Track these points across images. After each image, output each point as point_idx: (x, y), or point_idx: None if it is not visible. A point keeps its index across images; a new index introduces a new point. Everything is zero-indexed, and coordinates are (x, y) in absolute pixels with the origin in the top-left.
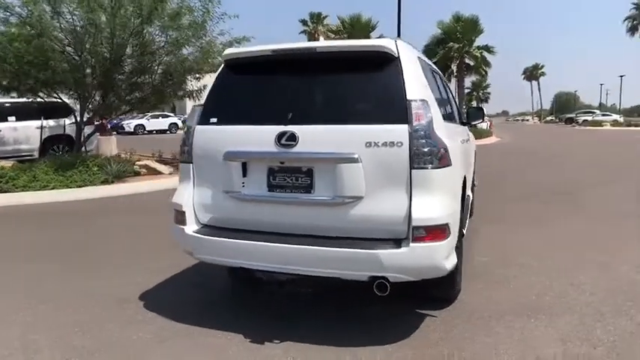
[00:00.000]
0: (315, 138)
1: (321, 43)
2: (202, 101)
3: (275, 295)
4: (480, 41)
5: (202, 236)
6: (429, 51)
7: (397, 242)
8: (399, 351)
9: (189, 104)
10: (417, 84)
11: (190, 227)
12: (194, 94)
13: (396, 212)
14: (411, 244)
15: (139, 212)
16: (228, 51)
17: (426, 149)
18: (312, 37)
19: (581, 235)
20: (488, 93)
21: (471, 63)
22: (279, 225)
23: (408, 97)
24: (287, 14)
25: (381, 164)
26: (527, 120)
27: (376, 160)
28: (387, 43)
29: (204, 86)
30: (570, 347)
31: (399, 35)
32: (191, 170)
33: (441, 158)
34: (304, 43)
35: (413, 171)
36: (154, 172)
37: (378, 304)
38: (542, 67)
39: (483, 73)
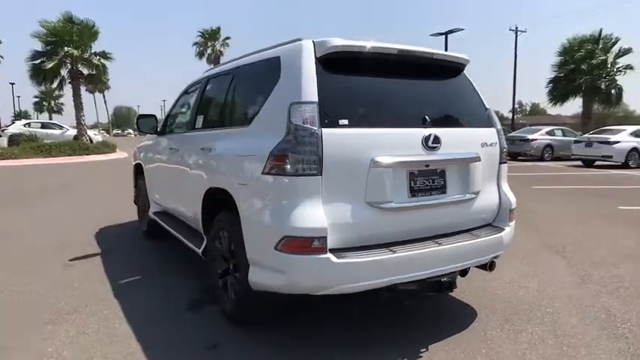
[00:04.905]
0: (449, 140)
1: (436, 50)
2: (307, 97)
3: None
4: (96, 48)
5: (355, 260)
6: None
7: (490, 225)
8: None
9: None
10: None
11: (332, 255)
12: None
13: (493, 201)
14: (510, 224)
15: None
16: (341, 42)
17: (504, 147)
18: None
19: None
20: (62, 103)
21: (90, 71)
22: (418, 230)
23: (486, 105)
24: None
25: (487, 161)
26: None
27: (485, 158)
28: (464, 55)
29: None
30: None
31: None
32: (320, 184)
33: (507, 155)
34: (423, 48)
35: (501, 165)
36: None
37: (403, 305)
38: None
39: (105, 81)
